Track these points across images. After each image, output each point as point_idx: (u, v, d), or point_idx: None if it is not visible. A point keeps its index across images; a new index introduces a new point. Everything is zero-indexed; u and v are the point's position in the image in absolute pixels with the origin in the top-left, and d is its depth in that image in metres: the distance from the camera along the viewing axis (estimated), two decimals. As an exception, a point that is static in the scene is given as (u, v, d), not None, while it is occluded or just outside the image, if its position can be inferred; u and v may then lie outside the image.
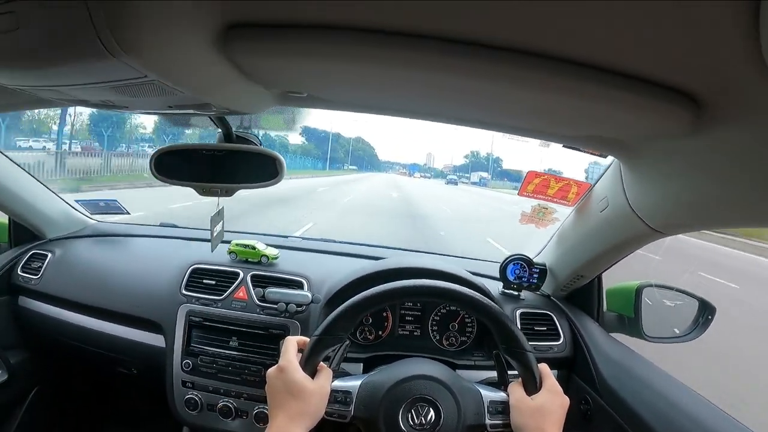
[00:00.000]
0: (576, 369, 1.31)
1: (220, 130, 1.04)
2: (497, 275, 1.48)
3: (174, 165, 1.04)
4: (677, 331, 1.32)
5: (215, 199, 1.11)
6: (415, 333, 1.39)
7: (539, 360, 0.90)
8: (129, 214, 1.89)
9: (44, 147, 14.64)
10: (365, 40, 0.55)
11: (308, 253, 1.71)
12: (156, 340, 1.40)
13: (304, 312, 1.32)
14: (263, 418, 1.26)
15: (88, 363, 1.73)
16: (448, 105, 0.82)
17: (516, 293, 1.46)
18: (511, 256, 1.48)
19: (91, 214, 1.89)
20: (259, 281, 1.40)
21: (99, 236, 1.78)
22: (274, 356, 1.27)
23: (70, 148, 15.03)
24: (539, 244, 1.56)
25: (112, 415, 2.04)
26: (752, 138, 0.61)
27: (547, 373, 0.90)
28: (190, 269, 1.44)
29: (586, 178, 1.25)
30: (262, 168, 1.02)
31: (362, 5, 0.50)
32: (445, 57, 0.55)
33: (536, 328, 1.35)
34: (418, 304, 1.39)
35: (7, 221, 1.72)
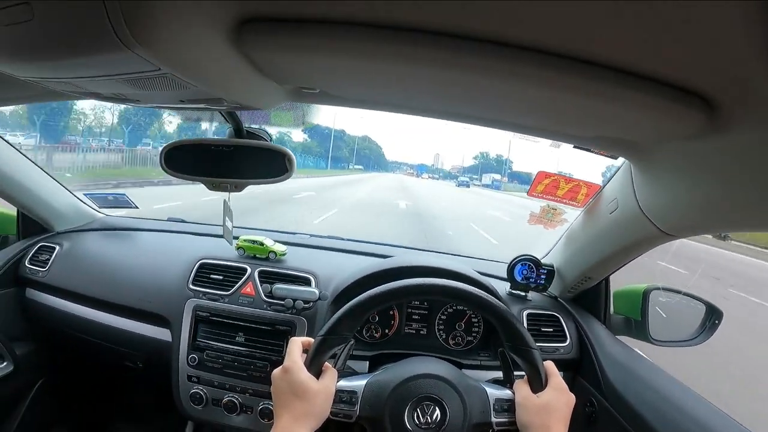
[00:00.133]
0: (582, 371, 1.31)
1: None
2: (505, 275, 1.48)
3: (183, 160, 1.04)
4: (684, 336, 1.32)
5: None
6: (421, 332, 1.39)
7: (545, 360, 0.89)
8: (137, 208, 1.90)
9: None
10: (380, 37, 0.54)
11: (316, 250, 1.71)
12: (162, 334, 1.40)
13: (311, 309, 1.32)
14: (268, 414, 1.26)
15: (94, 356, 1.74)
16: (461, 103, 0.82)
17: (523, 294, 1.46)
18: (518, 256, 1.47)
19: (100, 207, 1.90)
20: (267, 277, 1.40)
21: (107, 230, 1.79)
22: (280, 352, 1.27)
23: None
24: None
25: (116, 408, 2.04)
26: (765, 141, 0.60)
27: (552, 371, 0.89)
28: (198, 264, 1.44)
29: (603, 181, 1.24)
30: (271, 164, 1.02)
31: (378, 1, 0.50)
32: (460, 54, 0.55)
33: (543, 330, 1.35)
34: (425, 303, 1.39)
35: (15, 213, 1.73)
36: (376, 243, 1.94)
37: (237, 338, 1.32)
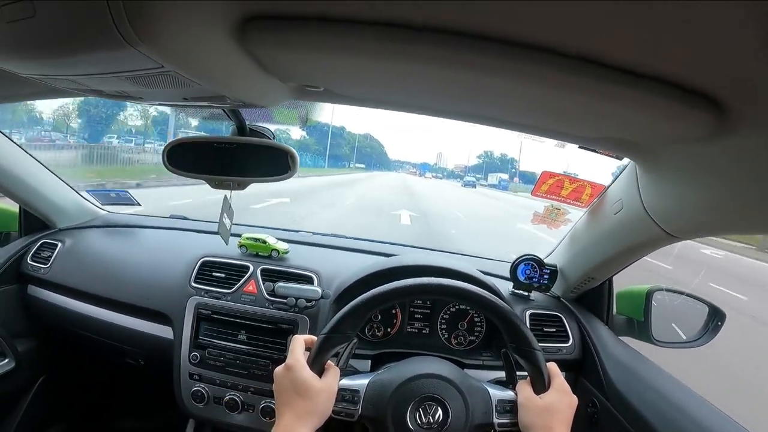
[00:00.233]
0: (584, 372, 1.30)
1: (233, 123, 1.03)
2: (508, 275, 1.47)
3: (186, 157, 1.04)
4: (686, 337, 1.31)
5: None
6: (423, 331, 1.38)
7: (548, 361, 0.89)
8: (140, 205, 1.90)
9: None
10: (384, 35, 0.54)
11: (319, 248, 1.70)
12: (164, 331, 1.40)
13: (313, 307, 1.32)
14: (269, 412, 1.26)
15: (96, 353, 1.74)
16: (465, 102, 0.81)
17: (526, 294, 1.45)
18: (522, 256, 1.47)
19: (102, 204, 1.90)
20: (269, 275, 1.40)
21: (109, 227, 1.79)
22: (283, 351, 1.27)
23: None
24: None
25: (118, 405, 2.05)
26: None
27: (555, 372, 0.89)
28: (200, 262, 1.44)
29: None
30: (274, 162, 1.02)
31: (381, 0, 0.50)
32: (465, 53, 0.54)
33: (546, 330, 1.34)
34: (428, 302, 1.39)
35: (17, 210, 1.73)
36: (379, 241, 1.94)
37: (239, 336, 1.32)
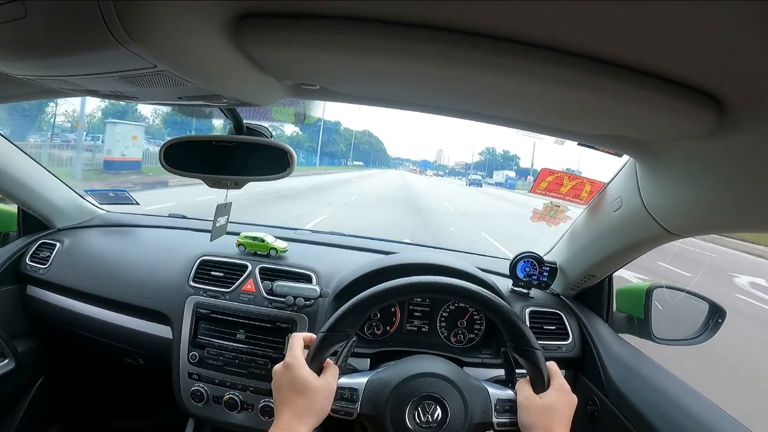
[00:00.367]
0: (584, 369, 1.30)
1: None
2: (507, 272, 1.47)
3: (183, 156, 1.03)
4: (686, 334, 1.31)
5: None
6: (423, 329, 1.38)
7: (547, 359, 0.89)
8: (138, 204, 1.90)
9: None
10: (380, 32, 0.53)
11: (317, 247, 1.70)
12: (163, 331, 1.40)
13: (312, 306, 1.32)
14: (269, 412, 1.26)
15: (95, 353, 1.74)
16: (463, 99, 0.81)
17: (525, 291, 1.45)
18: (521, 253, 1.46)
19: (100, 204, 1.90)
20: (268, 274, 1.40)
21: (107, 226, 1.79)
22: (281, 350, 1.27)
23: None
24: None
25: (117, 405, 2.05)
26: None
27: (555, 371, 0.89)
28: (198, 261, 1.44)
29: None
30: (272, 160, 1.01)
31: None
32: (462, 50, 0.54)
33: (545, 327, 1.34)
34: (427, 300, 1.38)
35: (16, 210, 1.73)
36: (378, 239, 1.94)
37: (238, 335, 1.32)
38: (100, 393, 2.00)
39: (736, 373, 4.16)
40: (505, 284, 1.46)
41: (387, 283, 0.90)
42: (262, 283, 1.37)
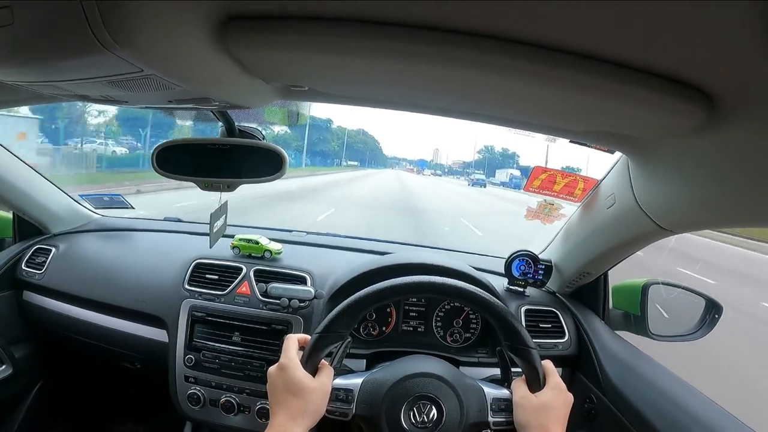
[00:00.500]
0: (581, 367, 1.30)
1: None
2: (502, 271, 1.47)
3: (175, 160, 1.03)
4: (683, 330, 1.31)
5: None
6: (418, 329, 1.38)
7: (544, 357, 0.89)
8: (133, 208, 1.89)
9: None
10: (367, 32, 0.53)
11: (312, 248, 1.70)
12: (159, 335, 1.40)
13: (307, 307, 1.32)
14: (265, 414, 1.26)
15: (92, 357, 1.74)
16: (453, 99, 0.81)
17: (521, 290, 1.44)
18: (516, 251, 1.46)
19: (95, 208, 1.90)
20: (262, 276, 1.40)
21: (103, 231, 1.79)
22: (277, 352, 1.26)
23: None
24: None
25: (115, 409, 2.05)
26: (765, 137, 0.59)
27: (551, 370, 0.89)
28: (193, 264, 1.44)
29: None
30: (264, 162, 1.02)
31: None
32: (452, 49, 0.53)
33: (541, 326, 1.34)
34: (423, 300, 1.38)
35: (11, 216, 1.72)
36: (373, 240, 1.94)
37: (233, 338, 1.31)
38: (97, 398, 1.99)
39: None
40: (500, 283, 1.46)
41: (381, 283, 0.90)
42: (256, 285, 1.37)
